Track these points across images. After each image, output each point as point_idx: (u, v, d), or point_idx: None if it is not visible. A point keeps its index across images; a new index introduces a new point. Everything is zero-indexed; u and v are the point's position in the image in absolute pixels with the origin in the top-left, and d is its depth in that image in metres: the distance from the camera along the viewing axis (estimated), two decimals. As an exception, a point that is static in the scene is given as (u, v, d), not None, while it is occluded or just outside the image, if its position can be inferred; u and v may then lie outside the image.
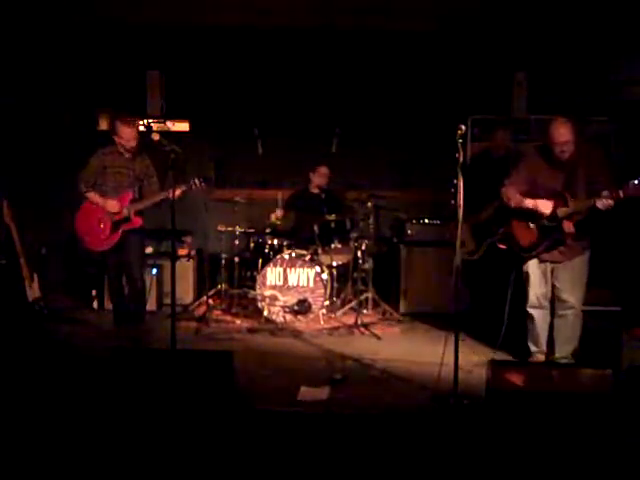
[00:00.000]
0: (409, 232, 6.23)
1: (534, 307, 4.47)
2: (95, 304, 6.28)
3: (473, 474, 3.03)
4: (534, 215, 4.27)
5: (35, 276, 5.56)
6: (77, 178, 5.09)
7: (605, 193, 3.87)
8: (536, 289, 4.43)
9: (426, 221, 6.26)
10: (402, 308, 6.10)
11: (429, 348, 4.96)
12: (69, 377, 4.07)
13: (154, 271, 6.13)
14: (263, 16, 6.07)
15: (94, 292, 6.26)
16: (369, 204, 5.93)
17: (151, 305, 5.99)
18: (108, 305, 6.14)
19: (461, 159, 3.75)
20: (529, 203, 4.28)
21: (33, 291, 5.52)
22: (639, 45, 6.09)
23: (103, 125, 6.91)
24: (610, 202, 3.88)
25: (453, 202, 3.97)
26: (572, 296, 4.34)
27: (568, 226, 4.17)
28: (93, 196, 5.09)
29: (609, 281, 5.58)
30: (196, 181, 4.94)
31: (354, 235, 5.93)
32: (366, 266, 5.93)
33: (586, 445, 3.05)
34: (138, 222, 5.10)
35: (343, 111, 6.72)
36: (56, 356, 4.60)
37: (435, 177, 6.37)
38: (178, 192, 4.78)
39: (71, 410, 3.49)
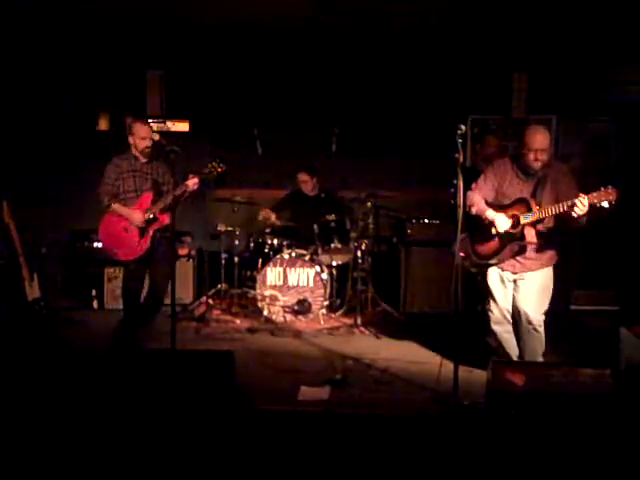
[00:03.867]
0: (409, 232, 6.23)
1: (498, 323, 4.33)
2: (95, 304, 6.28)
3: (473, 474, 3.03)
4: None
5: (35, 276, 5.56)
6: (98, 193, 4.92)
7: (579, 197, 3.68)
8: (498, 303, 4.30)
9: (426, 221, 6.26)
10: (402, 308, 6.10)
11: (429, 348, 4.97)
12: (69, 377, 4.07)
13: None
14: (263, 16, 6.07)
15: (94, 292, 6.26)
16: (369, 204, 5.93)
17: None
18: (108, 305, 6.15)
19: (461, 159, 3.74)
20: (489, 215, 4.13)
21: (33, 291, 5.52)
22: (639, 45, 6.09)
23: (103, 125, 6.92)
24: (582, 207, 3.67)
25: (453, 202, 3.94)
26: (531, 310, 4.15)
27: (529, 235, 4.03)
28: (118, 207, 4.91)
29: (608, 281, 5.59)
30: (213, 165, 4.81)
31: (354, 235, 5.93)
32: (366, 266, 5.93)
33: (586, 445, 3.05)
34: (165, 219, 4.91)
35: (343, 111, 6.72)
36: (56, 356, 4.60)
37: (435, 177, 6.37)
38: (195, 181, 4.79)
39: (71, 410, 3.49)
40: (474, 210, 4.20)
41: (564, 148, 6.61)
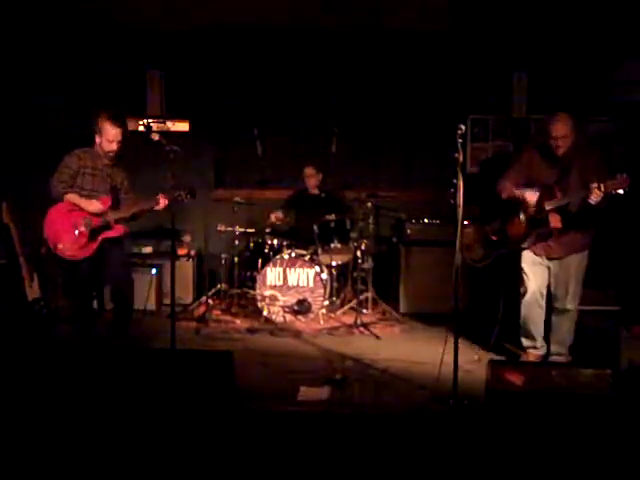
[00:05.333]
0: (409, 232, 6.23)
1: (528, 301, 4.48)
2: (95, 304, 6.26)
3: (473, 474, 3.03)
4: (523, 207, 4.33)
5: (35, 276, 5.55)
6: (51, 181, 4.63)
7: (593, 185, 3.89)
8: (529, 283, 4.45)
9: (426, 221, 6.26)
10: (402, 308, 6.10)
11: (429, 348, 4.96)
12: (68, 377, 4.06)
13: (154, 271, 6.13)
14: (263, 16, 6.07)
15: (93, 292, 6.25)
16: (369, 204, 5.93)
17: (151, 305, 6.00)
18: (108, 305, 6.13)
19: (461, 159, 3.75)
20: (517, 193, 4.35)
21: (33, 291, 5.51)
22: (639, 45, 6.09)
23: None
24: (598, 193, 3.87)
25: (453, 202, 3.97)
26: (567, 294, 4.36)
27: (554, 219, 4.20)
28: (73, 197, 4.62)
29: (608, 280, 5.58)
30: (182, 194, 4.65)
31: (354, 235, 5.92)
32: (366, 266, 5.93)
33: (586, 445, 3.05)
34: (120, 230, 4.71)
35: (343, 111, 6.72)
36: (55, 356, 4.60)
37: (435, 177, 6.37)
38: (163, 203, 4.62)
39: (71, 410, 3.49)
40: (504, 195, 4.43)
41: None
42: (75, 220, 4.64)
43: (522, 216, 4.35)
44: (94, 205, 4.63)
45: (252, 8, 5.84)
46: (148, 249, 6.42)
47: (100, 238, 4.66)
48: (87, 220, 4.63)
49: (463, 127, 3.72)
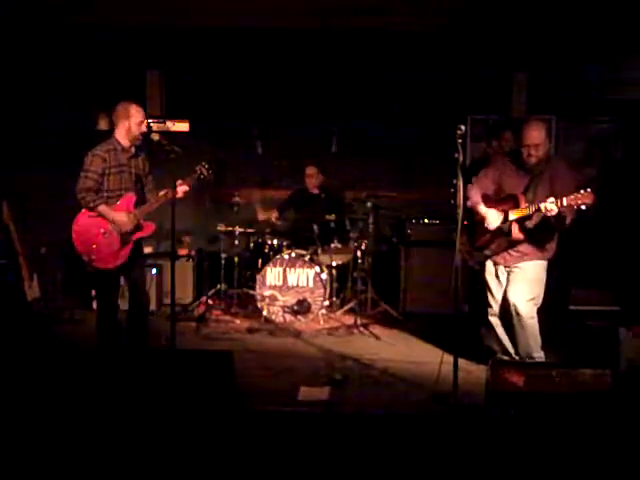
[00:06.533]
0: (409, 232, 6.24)
1: (493, 315, 4.40)
2: (95, 304, 6.26)
3: (473, 474, 3.03)
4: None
5: (35, 276, 5.56)
6: (78, 190, 4.28)
7: (550, 199, 3.83)
8: (492, 295, 4.39)
9: (426, 221, 6.26)
10: (402, 308, 6.10)
11: (429, 348, 4.97)
12: (69, 377, 4.06)
13: (154, 271, 6.13)
14: (263, 17, 6.07)
15: (94, 292, 6.25)
16: (368, 204, 5.93)
17: (151, 305, 5.98)
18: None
19: (461, 159, 3.75)
20: (481, 210, 4.24)
21: (33, 291, 5.52)
22: (639, 45, 6.09)
23: (103, 125, 6.91)
24: (552, 207, 3.80)
25: (453, 202, 3.96)
26: (520, 300, 4.16)
27: (515, 230, 4.12)
28: (104, 210, 4.31)
29: (608, 281, 5.60)
30: (202, 169, 4.48)
31: (354, 235, 5.93)
32: (366, 266, 5.93)
33: (586, 445, 3.05)
34: (151, 228, 4.50)
35: (343, 111, 6.72)
36: (55, 356, 4.60)
37: (435, 177, 6.37)
38: (185, 188, 4.46)
39: (70, 410, 3.49)
40: (469, 203, 4.29)
41: (564, 148, 6.61)
42: (104, 227, 4.36)
43: (486, 225, 4.25)
44: (125, 224, 4.34)
45: (252, 8, 5.84)
46: (148, 249, 6.41)
47: (133, 239, 4.43)
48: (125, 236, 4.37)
49: (463, 127, 3.72)
